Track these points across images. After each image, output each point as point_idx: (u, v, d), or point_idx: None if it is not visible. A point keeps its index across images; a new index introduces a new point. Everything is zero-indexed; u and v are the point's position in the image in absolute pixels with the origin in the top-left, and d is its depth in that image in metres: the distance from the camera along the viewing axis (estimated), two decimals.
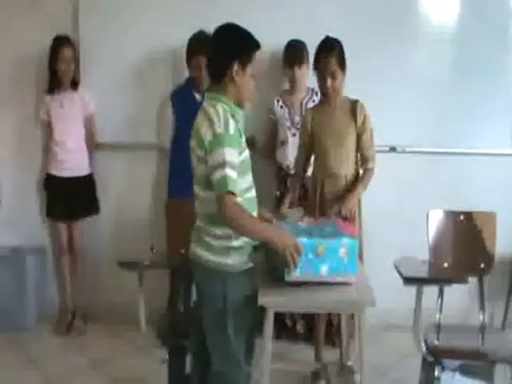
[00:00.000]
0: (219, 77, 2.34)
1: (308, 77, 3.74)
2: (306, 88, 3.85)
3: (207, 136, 2.25)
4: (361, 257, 3.18)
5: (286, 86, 3.92)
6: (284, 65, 3.83)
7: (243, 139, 2.36)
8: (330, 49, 3.13)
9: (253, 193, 2.42)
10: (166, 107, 3.95)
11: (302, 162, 3.38)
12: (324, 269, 2.35)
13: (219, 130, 2.24)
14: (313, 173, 3.37)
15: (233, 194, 2.22)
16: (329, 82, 3.13)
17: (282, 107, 3.85)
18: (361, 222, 3.28)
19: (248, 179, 2.39)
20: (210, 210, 2.33)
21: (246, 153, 2.37)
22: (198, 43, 3.67)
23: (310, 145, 3.31)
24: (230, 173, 2.22)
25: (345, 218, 3.06)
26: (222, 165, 2.21)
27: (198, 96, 3.75)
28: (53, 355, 3.78)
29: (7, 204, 4.15)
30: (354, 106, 3.22)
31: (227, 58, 2.31)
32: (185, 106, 3.75)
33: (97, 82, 4.07)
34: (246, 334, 2.43)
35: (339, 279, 2.38)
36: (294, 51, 3.78)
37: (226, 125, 2.26)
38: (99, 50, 4.03)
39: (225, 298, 2.35)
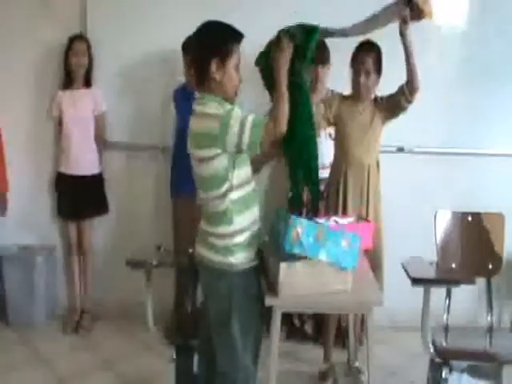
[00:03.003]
0: (201, 78, 2.33)
1: (330, 77, 3.74)
2: (325, 88, 3.83)
3: (214, 125, 2.23)
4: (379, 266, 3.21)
5: None
6: None
7: None
8: (370, 48, 3.21)
9: (253, 185, 2.41)
10: (170, 105, 3.96)
11: None
12: (323, 254, 2.30)
13: (222, 110, 2.25)
14: (335, 161, 3.37)
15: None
16: (362, 78, 3.19)
17: None
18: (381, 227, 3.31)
19: (248, 171, 2.38)
20: (210, 210, 2.34)
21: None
22: (188, 41, 3.68)
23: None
24: (254, 116, 2.24)
25: (364, 219, 3.10)
26: (244, 119, 2.22)
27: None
28: (62, 354, 3.80)
29: (18, 202, 4.16)
30: (375, 101, 3.29)
31: (204, 57, 2.30)
32: (186, 104, 3.74)
33: (102, 82, 4.08)
34: (252, 333, 2.43)
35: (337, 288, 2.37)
36: (317, 50, 3.73)
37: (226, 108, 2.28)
38: (106, 50, 4.05)
39: (230, 298, 2.35)
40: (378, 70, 3.21)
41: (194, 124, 2.33)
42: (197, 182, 2.38)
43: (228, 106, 2.28)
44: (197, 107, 2.34)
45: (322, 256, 2.30)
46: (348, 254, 2.34)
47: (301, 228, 2.26)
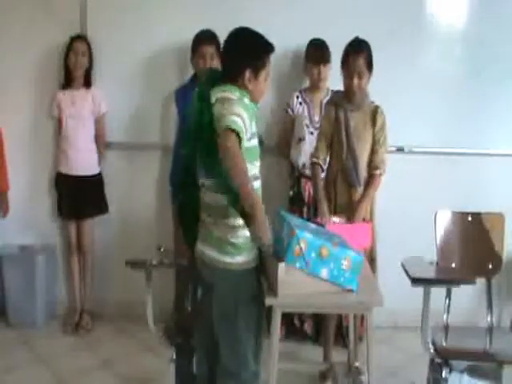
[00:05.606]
0: (234, 80, 2.34)
1: (330, 77, 3.74)
2: (326, 88, 3.84)
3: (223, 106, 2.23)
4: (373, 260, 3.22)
5: (307, 83, 3.91)
6: (307, 63, 3.81)
7: (254, 129, 2.34)
8: (360, 49, 3.18)
9: (259, 183, 2.39)
10: (170, 105, 3.96)
11: (324, 151, 3.33)
12: (324, 272, 2.32)
13: (236, 96, 2.26)
14: (327, 170, 3.38)
15: (238, 135, 2.15)
16: (355, 81, 3.17)
17: (301, 103, 3.83)
18: (374, 226, 3.30)
19: (256, 166, 2.37)
20: (223, 201, 2.30)
21: (255, 141, 2.36)
22: (204, 34, 3.72)
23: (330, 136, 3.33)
24: (238, 120, 2.17)
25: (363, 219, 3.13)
26: (232, 114, 2.17)
27: None
28: (62, 354, 3.79)
29: (18, 202, 4.16)
30: (375, 110, 3.26)
31: (239, 66, 2.32)
32: (187, 104, 3.75)
33: (103, 82, 4.08)
34: (255, 332, 2.44)
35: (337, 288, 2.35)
36: (319, 50, 3.77)
37: (241, 101, 2.27)
38: (106, 50, 4.05)
39: (235, 298, 2.36)
40: (370, 67, 3.19)
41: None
42: (208, 173, 2.34)
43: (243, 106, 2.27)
44: (218, 94, 2.30)
45: (324, 274, 2.31)
46: (349, 274, 2.33)
47: (304, 244, 2.26)
